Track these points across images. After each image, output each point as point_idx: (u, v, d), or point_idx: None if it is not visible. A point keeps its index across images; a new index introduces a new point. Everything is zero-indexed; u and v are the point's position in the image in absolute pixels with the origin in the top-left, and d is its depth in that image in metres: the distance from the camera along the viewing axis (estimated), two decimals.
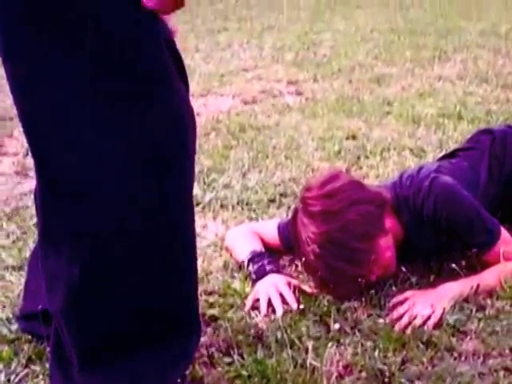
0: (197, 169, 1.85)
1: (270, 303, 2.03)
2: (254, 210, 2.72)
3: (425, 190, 2.13)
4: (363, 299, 2.03)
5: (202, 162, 3.21)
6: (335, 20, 8.44)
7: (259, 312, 2.01)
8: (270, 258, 2.23)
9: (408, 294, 2.03)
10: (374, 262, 2.02)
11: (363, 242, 2.01)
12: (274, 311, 2.00)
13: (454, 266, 2.10)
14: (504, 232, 2.15)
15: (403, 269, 2.13)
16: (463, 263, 2.09)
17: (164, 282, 1.49)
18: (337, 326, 1.88)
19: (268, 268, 2.16)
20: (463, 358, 1.78)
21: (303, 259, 2.08)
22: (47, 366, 1.75)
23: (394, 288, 2.09)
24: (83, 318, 1.47)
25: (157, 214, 1.43)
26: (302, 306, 1.99)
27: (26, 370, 1.78)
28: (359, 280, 1.99)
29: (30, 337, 1.89)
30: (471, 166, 2.40)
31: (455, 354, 1.80)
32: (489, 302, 2.01)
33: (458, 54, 6.00)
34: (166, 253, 1.47)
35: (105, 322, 1.48)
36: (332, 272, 2.00)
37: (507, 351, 1.80)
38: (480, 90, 4.67)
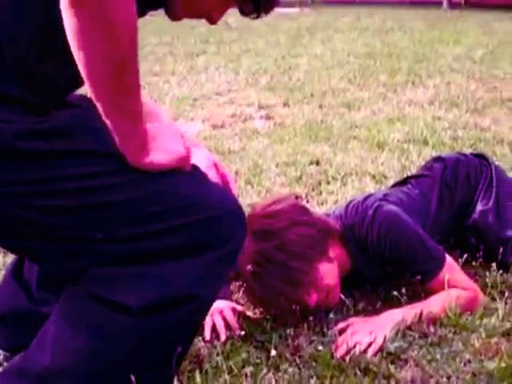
0: None
1: (214, 329, 2.04)
2: None
3: (369, 219, 2.15)
4: (306, 326, 2.04)
5: None
6: (313, 44, 8.50)
7: (203, 338, 2.02)
8: None
9: (350, 321, 2.04)
10: (310, 284, 2.02)
11: (300, 262, 2.01)
12: (217, 337, 2.02)
13: (395, 293, 2.12)
14: (449, 259, 2.16)
15: (344, 297, 2.14)
16: (403, 290, 2.11)
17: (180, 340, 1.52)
18: (274, 352, 1.89)
19: None
20: None
21: (243, 280, 2.10)
22: None
23: (337, 315, 2.10)
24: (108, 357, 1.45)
25: None
26: (243, 332, 2.01)
27: None
28: (297, 305, 1.99)
29: None
30: (422, 193, 2.42)
31: (392, 382, 1.80)
32: (432, 329, 2.02)
33: (431, 79, 6.05)
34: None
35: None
36: (268, 292, 2.01)
37: (445, 379, 1.80)
38: (449, 114, 4.71)
